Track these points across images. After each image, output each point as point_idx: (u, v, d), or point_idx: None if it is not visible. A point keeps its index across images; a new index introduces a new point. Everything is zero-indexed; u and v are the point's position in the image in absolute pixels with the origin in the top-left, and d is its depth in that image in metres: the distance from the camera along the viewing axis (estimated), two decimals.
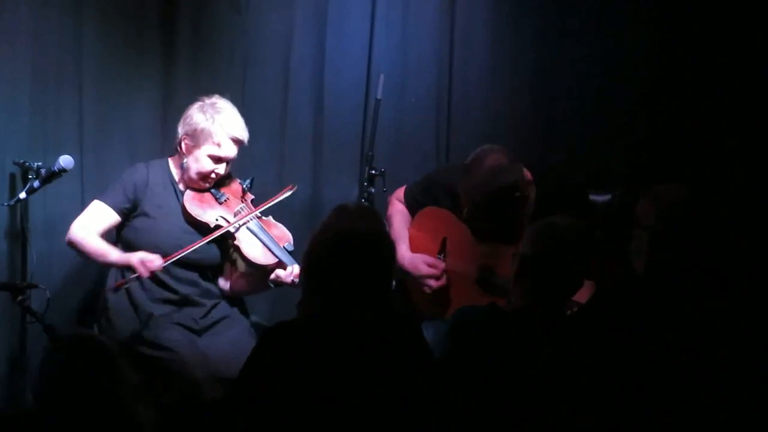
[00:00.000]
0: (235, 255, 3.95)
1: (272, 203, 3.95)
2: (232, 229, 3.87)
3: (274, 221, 3.99)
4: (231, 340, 3.86)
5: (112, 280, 3.93)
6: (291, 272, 3.83)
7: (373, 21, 4.64)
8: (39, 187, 3.88)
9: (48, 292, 3.63)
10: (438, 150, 4.78)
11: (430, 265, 3.96)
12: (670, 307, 3.07)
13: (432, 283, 3.96)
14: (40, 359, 2.62)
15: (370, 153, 4.13)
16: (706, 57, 4.70)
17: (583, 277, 3.06)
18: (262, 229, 3.92)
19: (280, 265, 3.86)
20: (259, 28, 4.51)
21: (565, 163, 4.11)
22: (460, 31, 4.77)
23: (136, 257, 3.76)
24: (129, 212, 3.90)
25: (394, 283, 2.87)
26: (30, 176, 3.90)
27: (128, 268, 3.80)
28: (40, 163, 3.90)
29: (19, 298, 3.57)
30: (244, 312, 4.06)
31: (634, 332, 3.03)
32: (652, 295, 3.13)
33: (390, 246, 2.85)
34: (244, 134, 3.89)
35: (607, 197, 3.87)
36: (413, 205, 4.11)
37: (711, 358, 2.93)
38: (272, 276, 3.88)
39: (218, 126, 3.83)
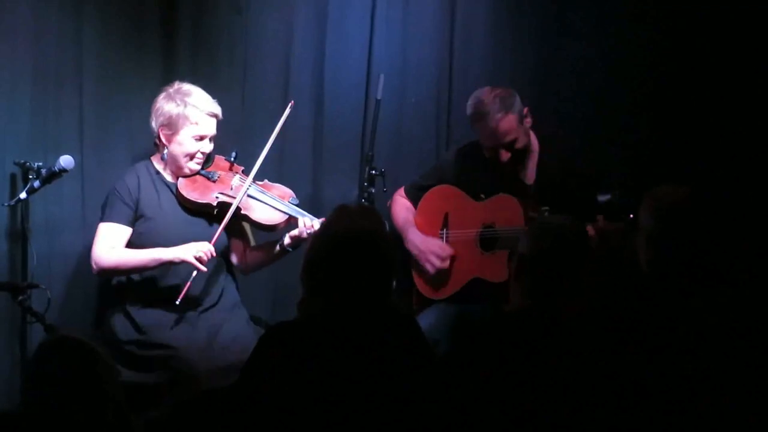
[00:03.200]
0: (245, 225, 3.98)
1: (276, 130, 3.96)
2: (239, 201, 3.87)
3: (270, 182, 4.03)
4: (231, 332, 3.87)
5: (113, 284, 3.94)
6: (307, 225, 3.86)
7: (373, 21, 4.64)
8: (39, 187, 3.88)
9: (48, 292, 3.63)
10: (438, 150, 4.78)
11: (440, 247, 4.12)
12: (669, 307, 3.07)
13: (436, 261, 4.09)
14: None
15: (370, 153, 4.13)
16: (706, 56, 4.70)
17: (583, 277, 3.06)
18: (262, 191, 3.95)
19: (291, 220, 3.87)
20: (259, 28, 4.51)
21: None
22: (460, 31, 4.77)
23: (189, 254, 3.76)
24: (135, 218, 3.90)
25: (394, 283, 2.86)
26: (30, 176, 3.90)
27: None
28: (40, 163, 3.91)
29: (20, 298, 3.58)
30: (242, 311, 4.05)
31: (633, 332, 3.03)
32: (652, 295, 3.13)
33: (390, 246, 2.85)
34: (217, 108, 3.93)
35: (607, 197, 3.89)
36: (417, 195, 4.24)
37: (711, 358, 2.93)
38: (287, 240, 3.88)
39: (192, 107, 3.87)
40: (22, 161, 3.93)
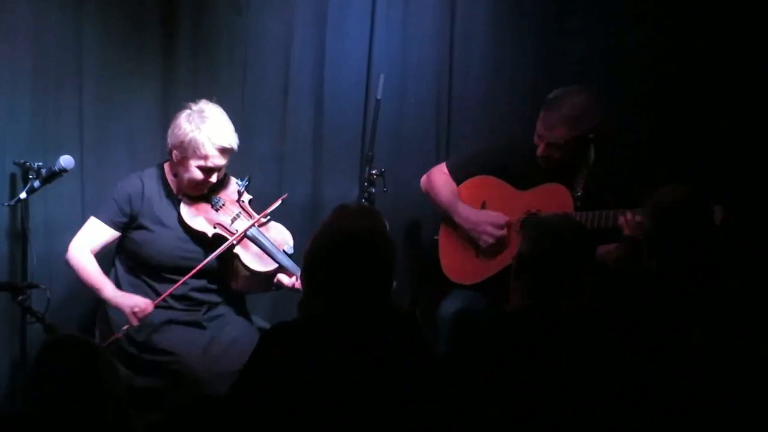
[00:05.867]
0: (236, 262, 3.93)
1: (267, 212, 3.90)
2: (232, 241, 3.84)
3: (272, 223, 3.98)
4: (232, 336, 3.86)
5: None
6: (293, 281, 3.84)
7: (373, 21, 4.63)
8: (39, 187, 3.88)
9: (48, 292, 3.62)
10: (438, 150, 4.77)
11: (495, 216, 4.10)
12: (669, 307, 3.08)
13: (494, 230, 4.07)
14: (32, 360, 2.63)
15: (370, 153, 4.13)
16: (706, 56, 4.70)
17: (582, 276, 3.06)
18: (260, 234, 3.91)
19: (282, 270, 3.86)
20: (259, 28, 4.50)
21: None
22: (460, 31, 4.76)
23: (127, 307, 3.76)
24: (126, 225, 3.89)
25: (395, 283, 2.86)
26: (30, 176, 3.90)
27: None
28: (40, 163, 3.90)
29: (20, 298, 3.57)
30: (245, 310, 4.05)
31: (633, 332, 3.03)
32: (652, 295, 3.13)
33: (390, 246, 2.85)
34: (231, 142, 3.83)
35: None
36: (461, 176, 4.23)
37: (711, 358, 2.93)
38: (274, 280, 3.89)
39: (204, 137, 3.77)
40: (22, 161, 3.93)
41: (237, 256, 3.88)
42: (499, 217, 4.09)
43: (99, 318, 3.99)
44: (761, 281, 3.16)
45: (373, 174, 4.08)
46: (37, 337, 3.84)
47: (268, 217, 3.96)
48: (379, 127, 4.19)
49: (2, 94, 4.02)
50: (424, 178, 4.29)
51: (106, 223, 3.88)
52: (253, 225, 3.89)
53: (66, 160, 3.89)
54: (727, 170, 4.58)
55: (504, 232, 4.07)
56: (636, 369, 2.93)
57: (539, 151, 4.03)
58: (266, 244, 3.88)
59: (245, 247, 3.89)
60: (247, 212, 3.94)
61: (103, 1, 4.19)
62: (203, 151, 3.78)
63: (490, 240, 4.08)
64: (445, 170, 4.27)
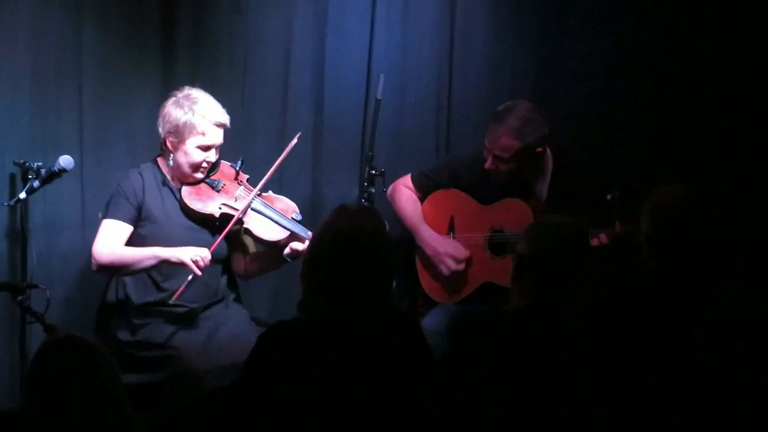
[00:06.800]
0: (246, 238, 3.96)
1: (282, 157, 3.93)
2: (240, 215, 3.86)
3: (274, 195, 4.00)
4: (232, 330, 3.87)
5: (112, 286, 3.94)
6: (306, 246, 3.82)
7: (373, 21, 4.64)
8: (39, 187, 3.88)
9: (48, 292, 3.62)
10: (438, 150, 4.79)
11: (456, 248, 4.08)
12: (669, 307, 3.08)
13: (451, 263, 4.05)
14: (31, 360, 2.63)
15: (370, 153, 4.13)
16: (706, 56, 4.71)
17: (582, 276, 3.07)
18: (266, 205, 3.93)
19: (294, 237, 3.87)
20: (259, 28, 4.51)
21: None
22: (460, 31, 4.77)
23: (187, 256, 3.75)
24: (138, 219, 3.90)
25: (394, 283, 2.86)
26: (30, 176, 3.89)
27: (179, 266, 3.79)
28: (40, 163, 3.90)
29: (19, 298, 3.57)
30: (243, 306, 4.06)
31: (634, 332, 3.03)
32: (652, 295, 3.13)
33: (390, 246, 2.85)
34: (225, 117, 3.88)
35: (606, 197, 3.89)
36: (428, 186, 4.21)
37: (711, 358, 2.93)
38: (287, 250, 3.88)
39: (199, 116, 3.82)
40: (22, 161, 3.93)
41: (249, 231, 3.90)
42: (460, 251, 4.08)
43: (98, 321, 3.99)
44: (761, 281, 3.16)
45: (372, 174, 4.08)
46: (37, 337, 3.84)
47: (269, 190, 3.98)
48: (379, 127, 4.19)
49: (2, 94, 4.01)
50: (390, 188, 4.24)
51: (122, 220, 3.86)
52: (255, 193, 3.90)
53: (66, 160, 3.89)
54: (727, 170, 4.58)
55: (461, 267, 4.06)
56: (636, 369, 2.93)
57: (487, 164, 4.01)
58: (274, 215, 3.91)
59: (255, 221, 3.90)
60: (248, 189, 3.96)
61: (103, 1, 4.19)
62: (201, 129, 3.82)
63: (447, 273, 4.08)
64: (410, 184, 4.25)
